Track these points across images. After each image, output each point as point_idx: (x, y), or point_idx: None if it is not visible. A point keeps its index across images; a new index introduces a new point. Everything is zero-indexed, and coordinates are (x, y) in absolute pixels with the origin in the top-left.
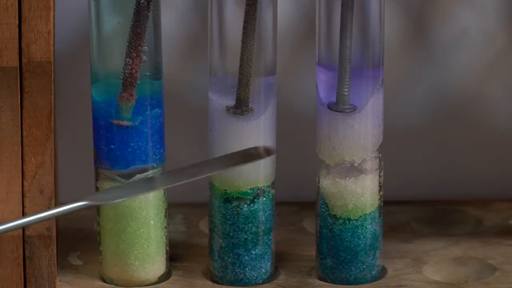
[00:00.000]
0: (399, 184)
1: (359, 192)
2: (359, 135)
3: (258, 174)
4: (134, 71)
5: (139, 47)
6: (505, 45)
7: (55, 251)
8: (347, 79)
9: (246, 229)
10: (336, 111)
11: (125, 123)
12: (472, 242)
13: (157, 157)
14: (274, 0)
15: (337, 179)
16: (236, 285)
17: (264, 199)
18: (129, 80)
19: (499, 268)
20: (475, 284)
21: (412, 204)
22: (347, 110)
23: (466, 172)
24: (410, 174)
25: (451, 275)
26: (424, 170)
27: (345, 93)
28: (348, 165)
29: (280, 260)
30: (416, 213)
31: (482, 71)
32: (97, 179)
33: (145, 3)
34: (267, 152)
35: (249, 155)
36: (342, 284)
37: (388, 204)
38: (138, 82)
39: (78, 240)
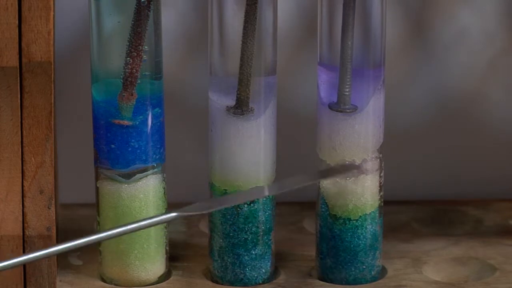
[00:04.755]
0: (399, 184)
1: (359, 192)
2: (360, 135)
3: (258, 174)
4: (134, 70)
5: (140, 47)
6: (505, 45)
7: None
8: (348, 79)
9: (246, 229)
10: (337, 111)
11: (126, 122)
12: (472, 242)
13: (157, 157)
14: (274, 0)
15: (337, 179)
16: (236, 285)
17: (264, 199)
18: (130, 79)
19: (499, 268)
20: (475, 284)
21: (412, 204)
22: (348, 110)
23: (466, 172)
24: (410, 174)
25: (451, 275)
26: (424, 170)
27: (346, 93)
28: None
29: (280, 260)
30: (416, 213)
31: (482, 71)
32: (97, 179)
33: (146, 2)
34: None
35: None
36: (342, 284)
37: (388, 204)
38: (139, 81)
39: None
